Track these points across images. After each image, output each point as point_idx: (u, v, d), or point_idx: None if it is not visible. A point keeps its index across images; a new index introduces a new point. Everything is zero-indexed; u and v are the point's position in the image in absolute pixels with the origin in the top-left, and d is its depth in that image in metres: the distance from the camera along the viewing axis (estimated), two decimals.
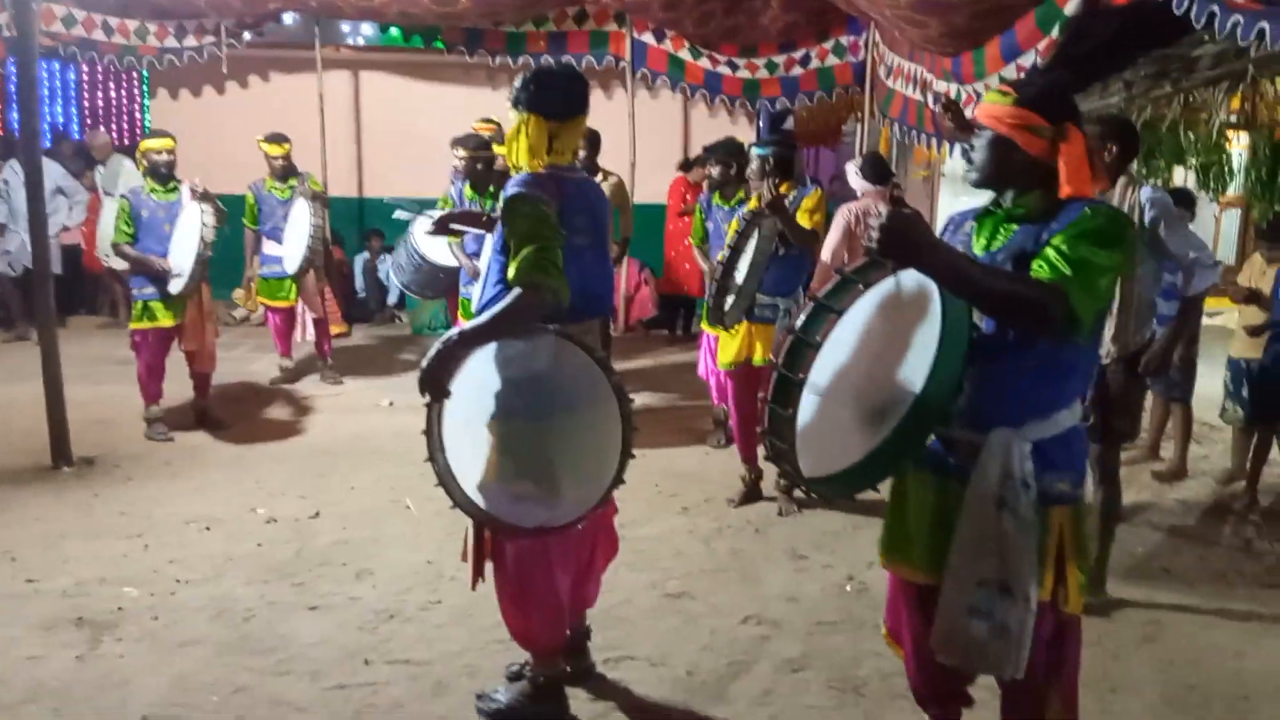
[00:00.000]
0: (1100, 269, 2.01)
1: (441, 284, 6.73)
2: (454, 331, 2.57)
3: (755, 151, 4.77)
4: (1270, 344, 4.83)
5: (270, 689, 3.04)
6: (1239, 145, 9.84)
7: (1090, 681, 3.13)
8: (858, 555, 4.17)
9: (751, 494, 4.86)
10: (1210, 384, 5.39)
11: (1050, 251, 2.03)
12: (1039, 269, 2.02)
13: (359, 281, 9.79)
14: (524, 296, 2.52)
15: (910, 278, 2.03)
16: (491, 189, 5.85)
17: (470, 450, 2.62)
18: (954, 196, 9.43)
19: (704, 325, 5.13)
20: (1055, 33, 5.26)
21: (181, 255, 5.55)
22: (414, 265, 6.61)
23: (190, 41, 8.91)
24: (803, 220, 4.52)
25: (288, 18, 9.11)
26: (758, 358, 4.61)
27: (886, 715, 2.98)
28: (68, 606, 3.58)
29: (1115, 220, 2.08)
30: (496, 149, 5.95)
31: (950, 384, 2.15)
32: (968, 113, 5.13)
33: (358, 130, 9.94)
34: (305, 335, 7.60)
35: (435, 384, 2.53)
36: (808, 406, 2.00)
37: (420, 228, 6.69)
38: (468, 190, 5.98)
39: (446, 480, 2.60)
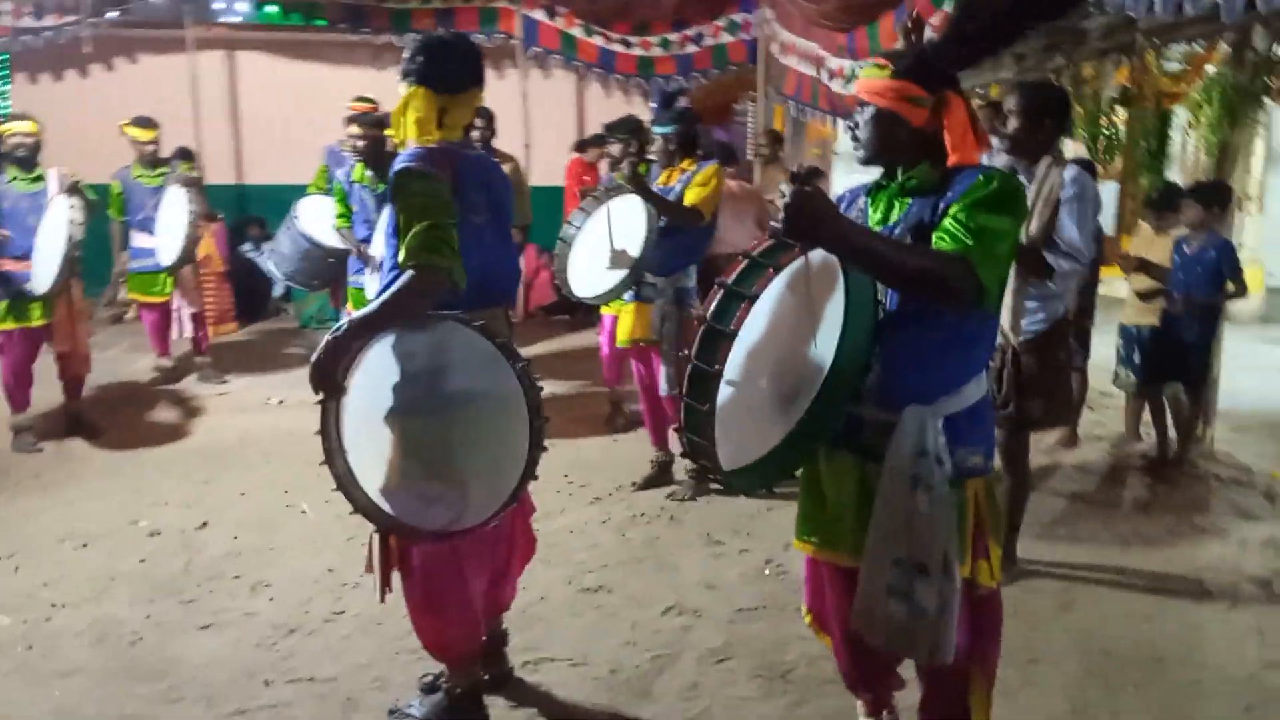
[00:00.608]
0: (999, 234, 1.99)
1: (329, 271, 6.41)
2: (344, 322, 2.39)
3: (656, 130, 4.66)
4: (1165, 310, 4.96)
5: (161, 718, 2.81)
6: (1119, 119, 10.21)
7: (1010, 652, 3.11)
8: (774, 538, 4.12)
9: (659, 478, 4.78)
10: (1102, 351, 5.53)
11: (949, 222, 1.99)
12: (940, 240, 1.98)
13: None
14: (415, 279, 2.36)
15: (818, 255, 1.97)
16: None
17: (370, 450, 2.44)
18: (848, 174, 9.51)
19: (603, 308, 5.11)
20: (948, 6, 5.30)
21: (47, 251, 5.11)
22: (300, 251, 6.27)
23: (50, 21, 8.35)
24: (689, 195, 4.41)
25: None
26: (636, 335, 4.61)
27: (815, 700, 2.92)
28: None
29: (1008, 183, 2.05)
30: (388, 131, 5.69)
31: (858, 360, 2.10)
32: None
33: (234, 113, 9.46)
34: (183, 332, 7.20)
35: (327, 379, 2.34)
36: (722, 396, 1.90)
37: (306, 210, 6.37)
38: (358, 172, 5.69)
39: (346, 484, 2.41)
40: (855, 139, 2.19)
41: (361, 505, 2.43)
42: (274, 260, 6.65)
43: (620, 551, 4.05)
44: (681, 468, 4.72)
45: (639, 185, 4.28)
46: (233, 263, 8.44)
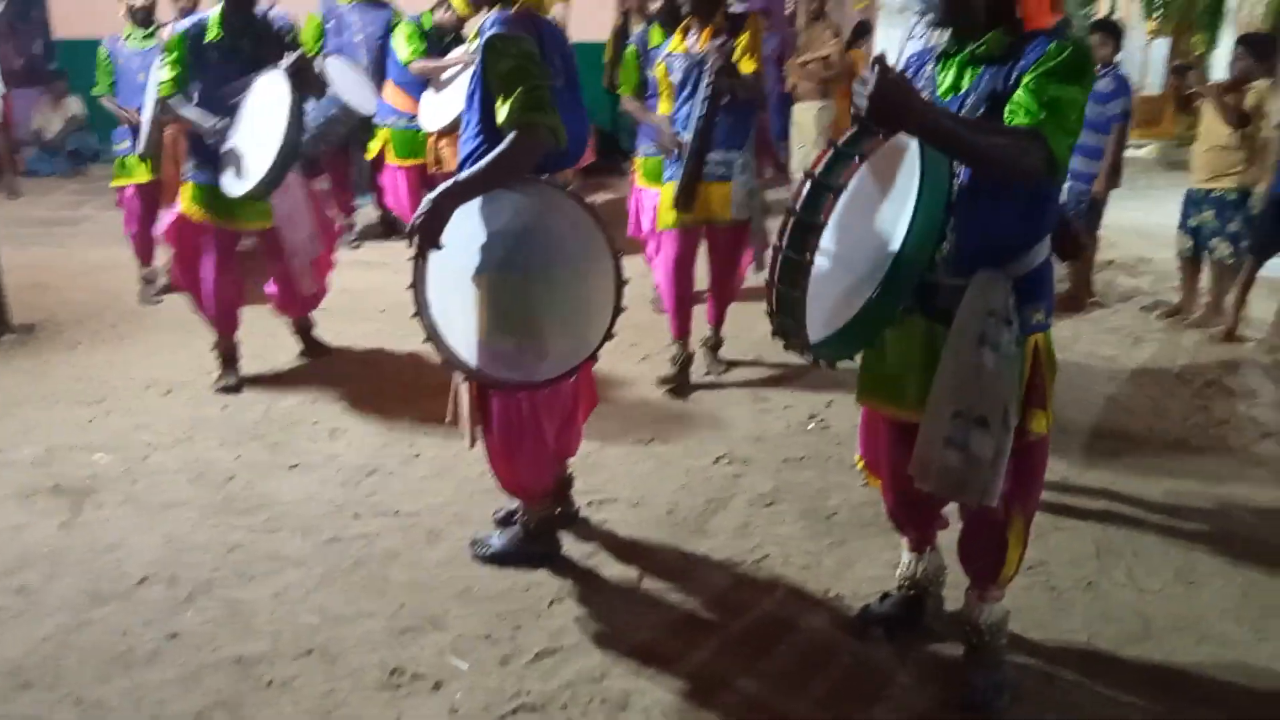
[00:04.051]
0: (1071, 104, 2.05)
1: (343, 136, 6.34)
2: (448, 183, 2.50)
3: None
4: None
5: (264, 546, 3.11)
6: None
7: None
8: (815, 395, 4.34)
9: (681, 375, 4.46)
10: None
11: (1022, 94, 2.06)
12: (1012, 114, 2.06)
13: None
14: (521, 139, 2.46)
15: (897, 138, 2.05)
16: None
17: (458, 305, 2.61)
18: (892, 29, 9.30)
19: (642, 181, 5.07)
20: None
21: (257, 143, 3.92)
22: (324, 115, 5.85)
23: None
24: (743, 66, 4.04)
25: None
26: (720, 215, 4.24)
27: (856, 541, 3.17)
28: (41, 475, 3.56)
29: (1079, 52, 2.09)
30: None
31: (932, 234, 2.22)
32: None
33: None
34: None
35: (429, 236, 2.48)
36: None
37: (335, 68, 6.14)
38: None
39: (434, 336, 2.60)
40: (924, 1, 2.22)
41: (447, 356, 2.63)
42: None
43: (670, 407, 4.28)
44: (699, 349, 4.66)
45: (731, 72, 3.92)
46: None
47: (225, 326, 4.39)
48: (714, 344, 4.71)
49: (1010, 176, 2.10)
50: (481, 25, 2.62)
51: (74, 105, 9.82)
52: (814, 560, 3.06)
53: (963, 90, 2.20)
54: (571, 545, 3.12)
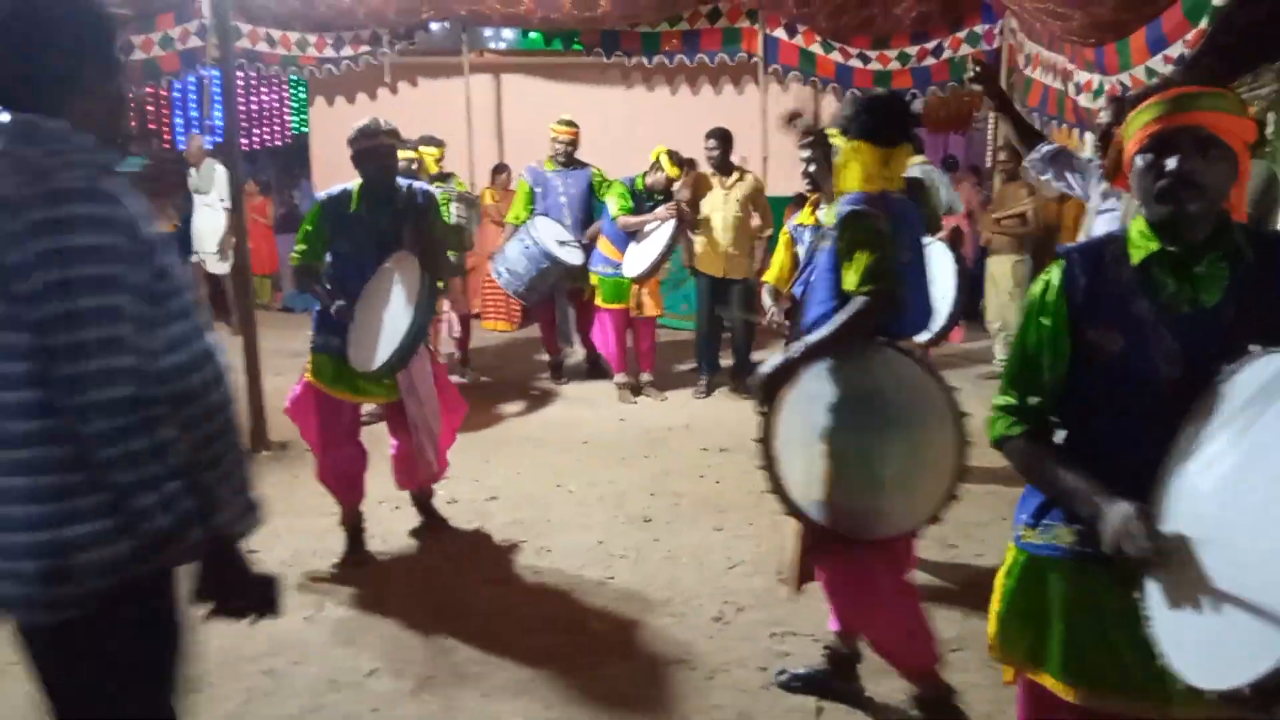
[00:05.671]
0: None
1: (550, 286, 7.00)
2: (799, 344, 2.70)
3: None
4: None
5: (470, 650, 3.43)
6: None
7: None
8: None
9: None
10: None
11: None
12: None
13: None
14: (866, 302, 2.63)
15: None
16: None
17: (800, 459, 2.69)
18: None
19: None
20: (1204, 23, 5.24)
21: (387, 321, 3.94)
22: (537, 268, 6.72)
23: (347, 51, 9.58)
24: None
25: (436, 26, 9.70)
26: None
27: None
28: (289, 574, 4.05)
29: None
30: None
31: None
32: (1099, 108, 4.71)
33: (499, 131, 10.41)
34: (451, 332, 8.08)
35: (773, 393, 2.68)
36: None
37: (544, 227, 6.89)
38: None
39: (778, 487, 2.69)
40: (1188, 185, 1.71)
41: (791, 509, 2.72)
42: (506, 276, 6.93)
43: None
44: None
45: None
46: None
47: (348, 497, 4.22)
48: None
49: None
50: (840, 202, 2.83)
51: None
52: (998, 710, 3.06)
53: (1214, 301, 1.76)
54: (750, 674, 3.25)
